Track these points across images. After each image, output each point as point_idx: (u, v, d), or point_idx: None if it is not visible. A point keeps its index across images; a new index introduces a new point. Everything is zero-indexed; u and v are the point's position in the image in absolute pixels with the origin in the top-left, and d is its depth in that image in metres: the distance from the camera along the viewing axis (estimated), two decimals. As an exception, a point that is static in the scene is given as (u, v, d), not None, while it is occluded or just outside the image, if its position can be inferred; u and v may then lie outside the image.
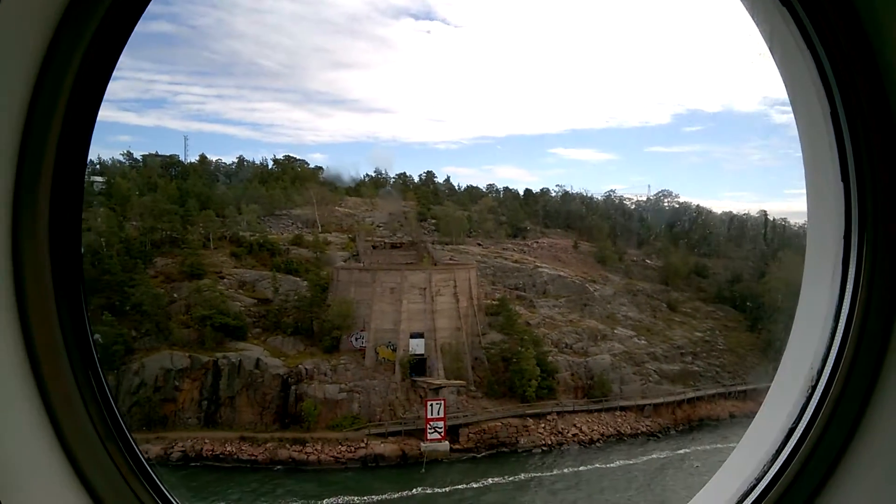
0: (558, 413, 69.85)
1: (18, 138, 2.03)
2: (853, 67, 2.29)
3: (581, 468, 62.70)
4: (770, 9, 2.42)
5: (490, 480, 59.43)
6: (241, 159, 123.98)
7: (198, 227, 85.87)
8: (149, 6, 2.21)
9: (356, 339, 72.22)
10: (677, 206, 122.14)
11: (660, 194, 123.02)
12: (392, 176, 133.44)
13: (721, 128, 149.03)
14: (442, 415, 63.98)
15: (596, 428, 69.23)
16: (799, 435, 2.53)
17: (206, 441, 61.27)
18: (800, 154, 2.68)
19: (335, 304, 73.11)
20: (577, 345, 79.03)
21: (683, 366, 79.69)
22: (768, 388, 2.90)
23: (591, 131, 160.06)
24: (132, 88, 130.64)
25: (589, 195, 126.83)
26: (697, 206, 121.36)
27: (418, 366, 71.14)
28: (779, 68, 2.63)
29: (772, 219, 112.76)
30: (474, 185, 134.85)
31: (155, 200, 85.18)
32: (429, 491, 57.30)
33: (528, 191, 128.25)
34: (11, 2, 1.86)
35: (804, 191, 2.72)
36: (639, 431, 70.38)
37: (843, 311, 2.47)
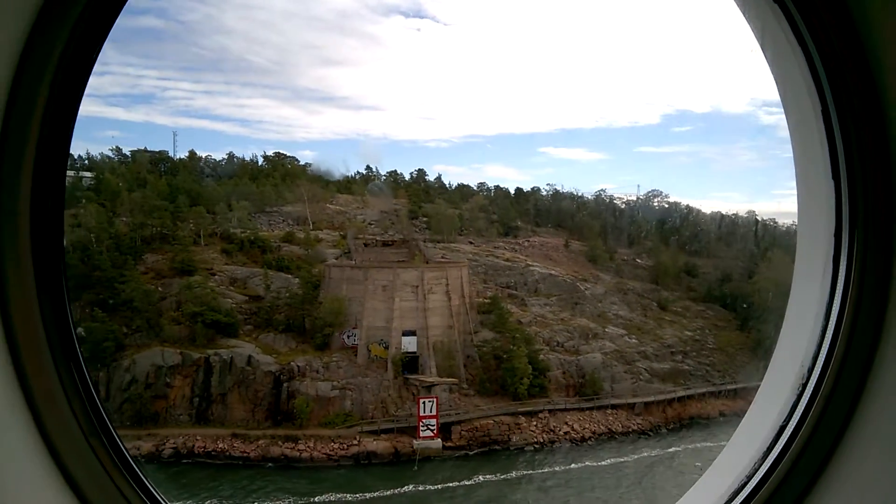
0: (550, 411, 70.16)
1: None
2: (845, 65, 2.29)
3: (572, 466, 63.04)
4: (761, 6, 2.41)
5: (481, 478, 59.58)
6: (231, 156, 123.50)
7: (188, 223, 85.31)
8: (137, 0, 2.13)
9: (348, 337, 72.14)
10: (667, 205, 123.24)
11: (650, 194, 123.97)
12: (383, 173, 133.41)
13: (710, 128, 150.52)
14: (434, 412, 64.02)
15: (587, 426, 69.61)
16: (790, 433, 2.53)
17: (198, 438, 60.96)
18: (788, 155, 2.68)
19: (327, 301, 72.92)
20: (569, 343, 79.41)
21: (674, 364, 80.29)
22: (758, 386, 2.91)
23: (581, 131, 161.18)
24: (120, 83, 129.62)
25: (579, 194, 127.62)
26: (687, 205, 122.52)
27: (411, 363, 71.16)
28: (770, 66, 2.64)
29: (760, 219, 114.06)
30: (465, 183, 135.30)
31: (145, 196, 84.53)
32: (421, 488, 57.37)
33: (518, 189, 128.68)
34: None
35: (792, 191, 2.72)
36: (630, 429, 70.83)
37: (833, 309, 2.47)
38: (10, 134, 2.01)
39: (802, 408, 2.51)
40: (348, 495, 55.50)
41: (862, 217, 2.37)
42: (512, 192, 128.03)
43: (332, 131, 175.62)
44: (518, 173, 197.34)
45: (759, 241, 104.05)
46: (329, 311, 71.75)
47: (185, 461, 59.23)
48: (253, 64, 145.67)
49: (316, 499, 55.04)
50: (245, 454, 60.41)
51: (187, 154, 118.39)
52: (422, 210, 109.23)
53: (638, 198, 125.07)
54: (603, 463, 63.89)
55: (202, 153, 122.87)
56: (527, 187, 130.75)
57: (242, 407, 64.90)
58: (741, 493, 2.59)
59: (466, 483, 58.79)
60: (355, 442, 62.26)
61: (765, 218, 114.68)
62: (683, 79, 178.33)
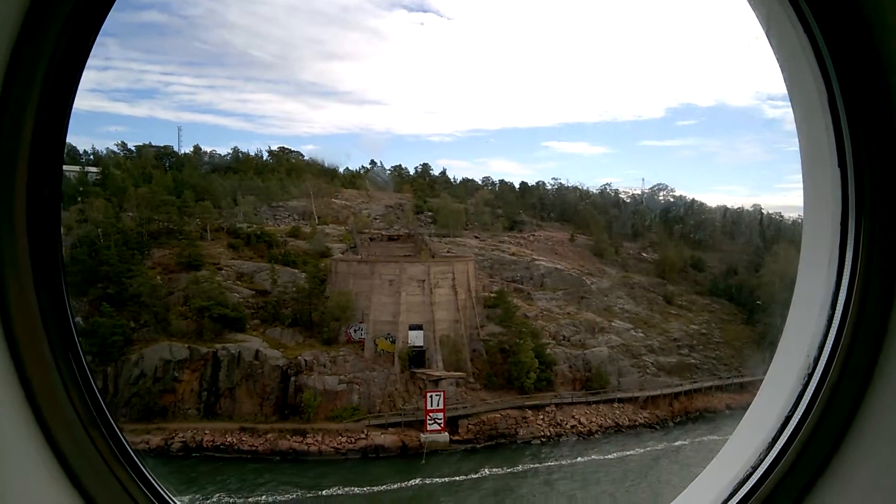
0: (557, 405, 70.09)
1: None
2: (851, 52, 2.27)
3: (578, 459, 63.03)
4: None
5: (487, 471, 59.67)
6: (235, 150, 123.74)
7: (194, 218, 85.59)
8: None
9: (355, 331, 72.28)
10: (672, 199, 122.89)
11: (655, 188, 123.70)
12: (387, 168, 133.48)
13: (714, 122, 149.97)
14: (441, 406, 64.13)
15: (594, 419, 69.57)
16: (795, 423, 2.51)
17: (207, 432, 61.11)
18: (793, 148, 2.65)
19: (334, 296, 73.08)
20: (575, 337, 79.40)
21: (680, 358, 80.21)
22: (764, 377, 2.90)
23: (585, 125, 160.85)
24: (123, 78, 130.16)
25: (584, 188, 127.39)
26: (693, 199, 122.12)
27: (417, 357, 71.24)
28: (775, 54, 2.61)
29: (766, 212, 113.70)
30: (470, 177, 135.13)
31: (152, 191, 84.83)
32: (428, 482, 57.54)
33: (523, 183, 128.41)
34: None
35: (797, 185, 2.71)
36: (636, 423, 70.76)
37: (839, 298, 2.45)
38: (4, 127, 2.00)
39: (808, 398, 2.50)
40: (356, 488, 55.72)
41: (868, 205, 2.35)
42: (517, 186, 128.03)
43: (336, 126, 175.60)
44: (521, 167, 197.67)
45: (764, 235, 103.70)
46: (336, 306, 71.89)
47: (194, 455, 59.51)
48: (256, 58, 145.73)
49: (324, 492, 55.22)
50: (253, 448, 60.53)
51: (192, 149, 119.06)
52: (427, 204, 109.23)
53: (643, 192, 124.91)
54: (609, 456, 63.86)
55: (207, 148, 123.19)
56: (531, 181, 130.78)
57: (250, 401, 65.14)
58: (746, 484, 2.58)
59: (474, 476, 58.91)
60: (363, 435, 62.36)
61: (770, 211, 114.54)
62: (688, 72, 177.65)
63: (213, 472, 57.19)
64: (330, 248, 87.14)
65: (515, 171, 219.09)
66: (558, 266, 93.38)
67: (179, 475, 54.53)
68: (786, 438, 2.52)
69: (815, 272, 2.60)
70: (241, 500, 53.13)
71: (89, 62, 2.14)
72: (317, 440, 61.40)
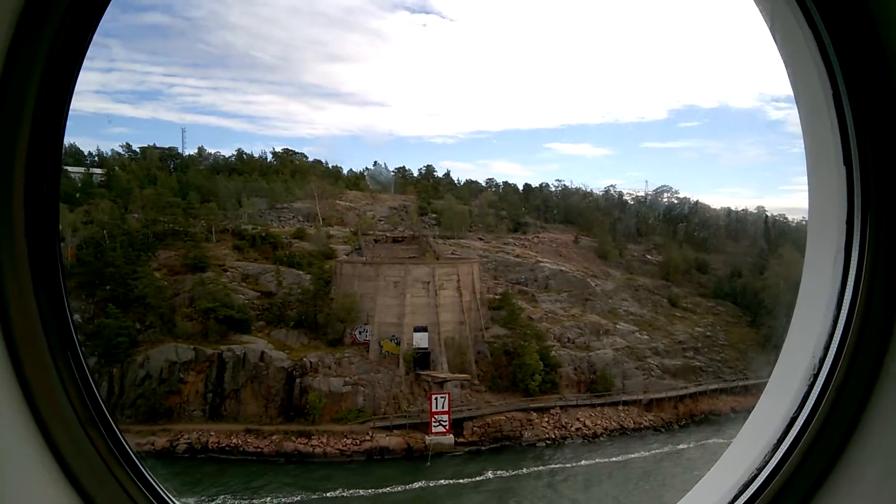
0: (562, 407, 70.00)
1: None
2: (857, 48, 2.23)
3: (583, 462, 62.90)
4: None
5: (491, 474, 59.57)
6: (240, 152, 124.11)
7: (200, 219, 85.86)
8: None
9: (360, 333, 72.33)
10: (676, 201, 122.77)
11: (659, 189, 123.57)
12: (391, 169, 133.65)
13: (717, 123, 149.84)
14: (446, 408, 64.07)
15: (599, 422, 69.48)
16: (800, 425, 2.47)
17: (212, 433, 61.19)
18: (796, 150, 2.58)
19: (339, 297, 73.17)
20: (580, 339, 79.30)
21: (685, 361, 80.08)
22: (769, 378, 2.85)
23: (587, 126, 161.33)
24: (127, 80, 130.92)
25: (588, 190, 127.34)
26: (697, 201, 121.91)
27: (422, 359, 71.24)
28: (780, 50, 2.57)
29: (770, 214, 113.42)
30: (473, 179, 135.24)
31: (158, 193, 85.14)
32: (432, 484, 57.47)
33: (527, 185, 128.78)
34: None
35: (801, 187, 2.64)
36: (641, 426, 70.67)
37: (845, 297, 2.41)
38: (1, 126, 1.98)
39: (814, 399, 2.46)
40: (361, 490, 55.69)
41: (875, 204, 2.31)
42: (520, 187, 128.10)
43: (338, 127, 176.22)
44: (524, 169, 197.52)
45: (769, 236, 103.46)
46: (341, 308, 71.95)
47: (199, 456, 59.59)
48: (258, 60, 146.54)
49: (328, 494, 55.20)
50: (259, 449, 60.58)
51: (196, 151, 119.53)
52: (431, 206, 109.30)
53: (647, 193, 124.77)
54: (614, 459, 63.76)
55: (211, 150, 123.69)
56: (533, 183, 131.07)
57: (255, 402, 65.21)
58: (751, 487, 2.54)
59: (478, 479, 58.81)
60: (368, 437, 62.34)
61: (774, 213, 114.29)
62: (690, 74, 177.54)
63: (217, 473, 57.24)
64: (334, 249, 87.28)
65: (518, 173, 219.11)
66: (563, 268, 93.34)
67: (185, 476, 54.67)
68: (791, 440, 2.48)
69: (820, 271, 2.57)
70: (247, 502, 53.15)
71: (92, 64, 2.11)
72: (322, 442, 61.41)
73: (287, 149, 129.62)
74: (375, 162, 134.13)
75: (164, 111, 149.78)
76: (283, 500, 53.82)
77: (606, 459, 63.49)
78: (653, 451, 65.53)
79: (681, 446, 66.62)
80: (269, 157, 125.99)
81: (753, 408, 2.89)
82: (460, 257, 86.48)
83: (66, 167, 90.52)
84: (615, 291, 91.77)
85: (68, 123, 2.15)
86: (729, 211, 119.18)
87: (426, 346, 72.01)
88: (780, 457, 2.50)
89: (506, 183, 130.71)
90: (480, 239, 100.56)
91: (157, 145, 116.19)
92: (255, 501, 53.27)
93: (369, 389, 66.64)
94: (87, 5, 2.06)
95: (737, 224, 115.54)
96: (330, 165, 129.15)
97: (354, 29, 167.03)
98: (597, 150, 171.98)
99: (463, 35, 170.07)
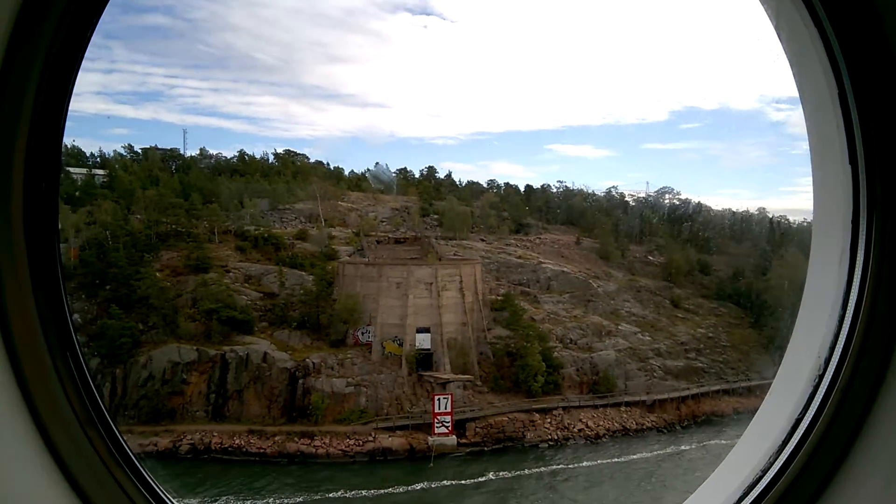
0: (564, 408, 70.02)
1: None
2: (863, 45, 2.20)
3: (584, 463, 62.88)
4: None
5: (492, 475, 59.56)
6: (242, 153, 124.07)
7: (203, 220, 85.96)
8: None
9: (363, 334, 72.37)
10: (678, 202, 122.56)
11: (661, 190, 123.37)
12: (392, 170, 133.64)
13: (718, 125, 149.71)
14: (449, 409, 64.12)
15: (602, 423, 69.44)
16: (806, 426, 2.45)
17: (215, 434, 61.29)
18: (797, 152, 2.54)
19: (341, 298, 73.25)
20: (582, 340, 79.26)
21: (687, 362, 79.99)
22: (772, 383, 2.83)
23: (589, 128, 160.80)
24: (128, 81, 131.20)
25: (590, 191, 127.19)
26: (699, 202, 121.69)
27: (425, 360, 71.32)
28: (784, 48, 2.55)
29: (772, 215, 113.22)
30: (475, 180, 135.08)
31: (161, 194, 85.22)
32: (434, 485, 57.46)
33: (529, 186, 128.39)
34: None
35: (801, 188, 2.59)
36: (644, 427, 70.63)
37: (850, 297, 2.39)
38: (0, 125, 1.98)
39: (819, 400, 2.44)
40: (364, 491, 55.69)
41: (880, 203, 2.29)
42: (522, 189, 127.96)
43: (339, 129, 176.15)
44: (525, 170, 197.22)
45: (771, 238, 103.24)
46: (343, 309, 72.02)
47: (202, 457, 59.65)
48: (259, 61, 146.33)
49: (330, 495, 55.21)
50: (262, 450, 60.64)
51: (198, 152, 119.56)
52: (433, 207, 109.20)
53: (648, 195, 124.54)
54: (617, 460, 63.72)
55: (212, 151, 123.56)
56: (534, 184, 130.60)
57: (258, 403, 65.29)
58: (756, 488, 2.52)
59: (481, 479, 58.79)
60: (371, 438, 62.42)
61: (776, 215, 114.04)
62: (691, 75, 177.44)
63: (220, 473, 57.29)
64: (337, 250, 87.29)
65: (519, 174, 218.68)
66: (565, 269, 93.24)
67: (187, 477, 54.76)
68: (796, 441, 2.47)
69: (825, 271, 2.55)
70: (249, 503, 53.19)
71: (93, 65, 2.09)
72: (325, 443, 61.48)
73: (288, 150, 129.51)
74: (377, 163, 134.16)
75: (165, 112, 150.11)
76: (285, 500, 53.85)
77: (609, 460, 63.46)
78: (655, 452, 65.48)
79: (683, 447, 66.56)
80: (271, 158, 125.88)
81: (756, 409, 2.87)
82: (462, 258, 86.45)
83: (68, 168, 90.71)
84: (617, 292, 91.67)
85: (70, 124, 2.14)
86: (733, 213, 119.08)
87: (429, 347, 72.07)
88: (785, 458, 2.48)
89: (507, 184, 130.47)
90: (482, 240, 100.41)
91: (159, 146, 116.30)
92: (257, 502, 53.36)
93: (372, 390, 66.69)
94: (87, 3, 2.05)
95: (742, 224, 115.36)
96: (331, 167, 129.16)
97: (355, 30, 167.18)
98: (598, 152, 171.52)
99: (464, 36, 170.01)
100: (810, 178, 2.68)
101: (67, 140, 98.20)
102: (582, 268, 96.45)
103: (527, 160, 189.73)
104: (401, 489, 56.17)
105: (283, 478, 57.24)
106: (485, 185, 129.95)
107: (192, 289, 72.33)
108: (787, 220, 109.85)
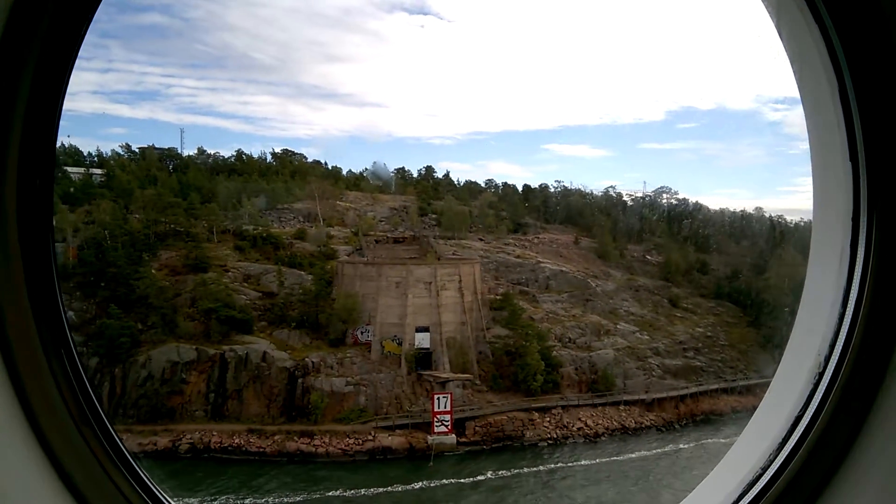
0: (563, 407, 70.10)
1: None
2: (864, 41, 2.17)
3: (583, 461, 62.95)
4: None
5: (491, 474, 59.61)
6: (239, 153, 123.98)
7: (201, 220, 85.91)
8: None
9: (362, 333, 72.38)
10: (675, 202, 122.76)
11: (658, 190, 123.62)
12: (391, 170, 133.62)
13: (715, 125, 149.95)
14: (449, 408, 64.16)
15: (601, 422, 69.54)
16: (805, 424, 2.43)
17: (214, 433, 61.26)
18: (794, 152, 2.51)
19: (341, 298, 73.24)
20: (581, 339, 79.36)
21: (686, 361, 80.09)
22: (770, 381, 2.79)
23: (585, 127, 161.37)
24: (124, 80, 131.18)
25: (588, 191, 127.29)
26: (696, 202, 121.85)
27: (424, 360, 71.35)
28: (785, 45, 2.52)
29: (769, 215, 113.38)
30: (473, 180, 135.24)
31: (159, 193, 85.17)
32: (434, 484, 57.49)
33: (527, 186, 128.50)
34: None
35: (798, 188, 2.58)
36: (642, 425, 70.75)
37: (851, 295, 2.36)
38: None
39: (819, 398, 2.42)
40: (363, 490, 55.70)
41: (881, 200, 2.26)
42: (520, 188, 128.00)
43: (336, 128, 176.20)
44: (522, 170, 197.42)
45: (769, 237, 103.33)
46: (343, 308, 72.02)
47: (202, 456, 59.63)
48: (256, 61, 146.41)
49: (330, 493, 55.22)
50: (261, 449, 60.64)
51: (196, 151, 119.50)
52: (431, 207, 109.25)
53: (646, 194, 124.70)
54: (616, 458, 63.81)
55: (210, 150, 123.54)
56: (532, 184, 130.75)
57: (258, 402, 65.27)
58: (755, 487, 2.50)
59: (480, 478, 58.82)
60: (370, 437, 62.43)
61: (773, 214, 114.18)
62: (688, 75, 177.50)
63: (219, 473, 57.29)
64: (335, 249, 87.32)
65: (516, 174, 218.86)
66: (563, 268, 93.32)
67: (187, 476, 54.77)
68: (796, 439, 2.45)
69: (825, 269, 2.52)
70: (248, 502, 53.20)
71: (90, 64, 2.08)
72: (324, 442, 61.49)
73: (286, 149, 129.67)
74: (374, 162, 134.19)
75: (162, 112, 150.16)
76: (285, 499, 53.88)
77: (608, 459, 63.54)
78: (653, 451, 65.57)
79: (681, 446, 66.69)
80: (269, 157, 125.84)
81: (754, 408, 2.87)
82: (461, 258, 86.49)
83: (65, 167, 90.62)
84: (616, 292, 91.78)
85: (66, 123, 2.12)
86: (730, 212, 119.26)
87: (428, 346, 72.10)
88: (784, 456, 2.47)
89: (505, 184, 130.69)
90: (481, 239, 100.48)
91: (156, 146, 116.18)
92: (257, 501, 53.37)
93: (371, 389, 66.71)
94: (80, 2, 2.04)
95: (742, 218, 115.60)
96: (329, 166, 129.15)
97: (353, 30, 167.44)
98: (595, 152, 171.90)
99: (461, 36, 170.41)
100: (808, 178, 2.65)
101: (64, 139, 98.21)
102: (580, 267, 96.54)
103: (524, 160, 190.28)
104: (400, 488, 56.23)
105: (282, 477, 57.25)
106: (482, 185, 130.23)
107: (191, 288, 72.28)
108: (785, 219, 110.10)
